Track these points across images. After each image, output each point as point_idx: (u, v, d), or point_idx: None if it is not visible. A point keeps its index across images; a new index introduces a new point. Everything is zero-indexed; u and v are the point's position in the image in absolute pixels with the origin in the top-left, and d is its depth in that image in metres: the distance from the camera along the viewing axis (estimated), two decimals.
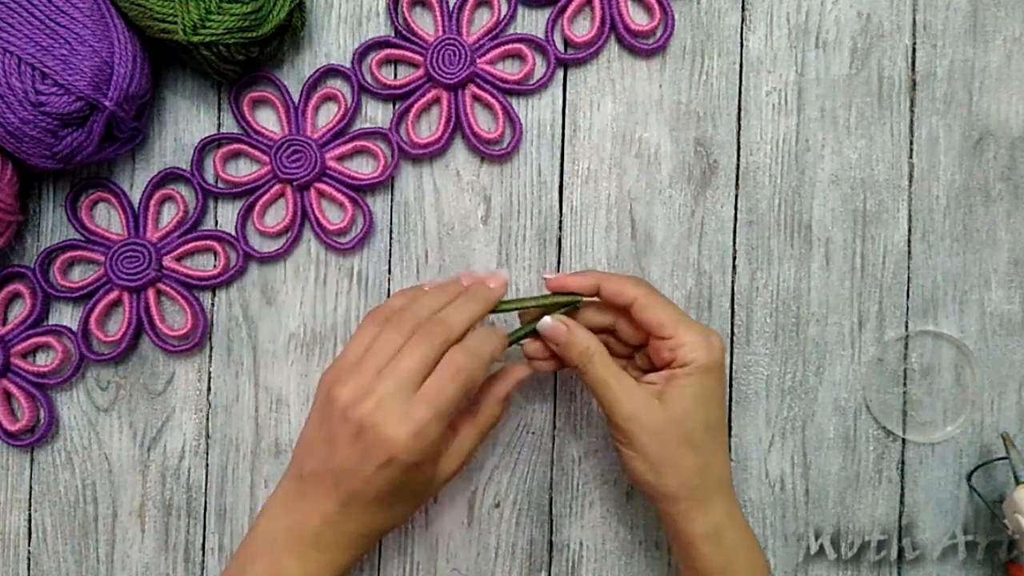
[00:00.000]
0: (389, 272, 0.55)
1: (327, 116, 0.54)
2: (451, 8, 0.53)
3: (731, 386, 0.54)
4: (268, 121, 0.54)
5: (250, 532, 0.47)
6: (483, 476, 0.54)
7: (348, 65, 0.54)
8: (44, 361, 0.54)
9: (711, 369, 0.46)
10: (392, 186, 0.55)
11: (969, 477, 0.53)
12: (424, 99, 0.53)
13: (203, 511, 0.54)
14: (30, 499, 0.55)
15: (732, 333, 0.54)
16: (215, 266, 0.54)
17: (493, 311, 0.48)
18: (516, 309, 0.49)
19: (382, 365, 0.44)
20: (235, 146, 0.54)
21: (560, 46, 0.54)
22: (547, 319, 0.48)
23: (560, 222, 0.54)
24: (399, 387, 0.43)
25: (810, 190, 0.54)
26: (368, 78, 0.54)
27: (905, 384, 0.54)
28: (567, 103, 0.54)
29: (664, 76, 0.54)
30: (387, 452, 0.43)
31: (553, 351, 0.48)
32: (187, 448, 0.54)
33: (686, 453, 0.46)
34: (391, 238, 0.55)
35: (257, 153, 0.54)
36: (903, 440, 0.54)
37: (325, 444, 0.45)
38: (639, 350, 0.50)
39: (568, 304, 0.49)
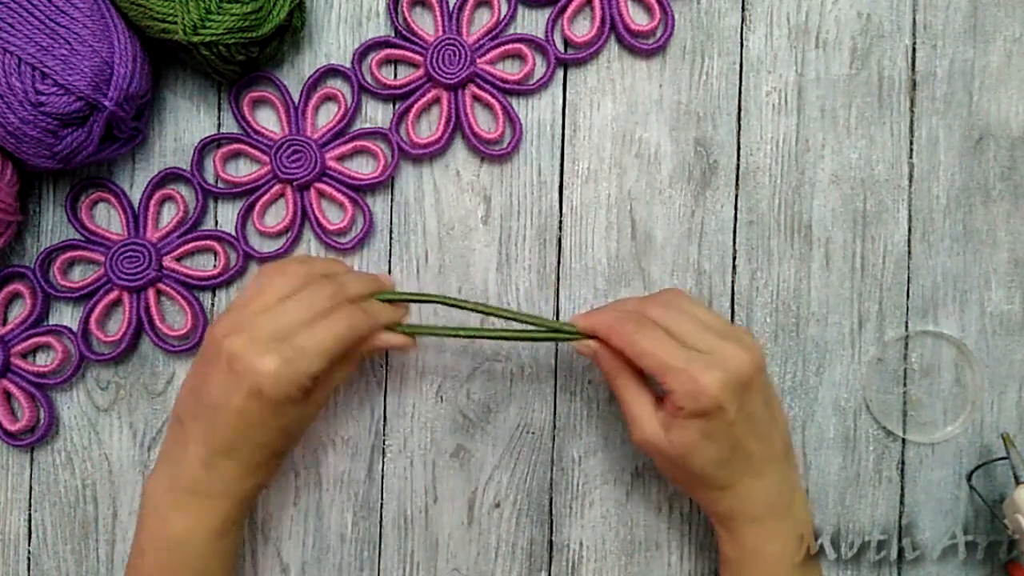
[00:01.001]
0: (389, 272, 0.55)
1: (327, 116, 0.54)
2: (451, 8, 0.53)
3: None
4: (268, 121, 0.54)
5: (142, 491, 0.47)
6: (483, 476, 0.54)
7: (348, 65, 0.54)
8: (44, 361, 0.54)
9: (705, 414, 0.43)
10: (392, 186, 0.55)
11: (969, 477, 0.53)
12: (424, 99, 0.53)
13: None
14: (30, 499, 0.55)
15: None
16: (215, 266, 0.54)
17: (486, 312, 0.49)
18: (508, 317, 0.49)
19: (267, 307, 0.45)
20: (235, 146, 0.54)
21: (560, 46, 0.54)
22: (583, 341, 0.48)
23: (560, 222, 0.54)
24: (277, 327, 0.44)
25: (810, 190, 0.54)
26: (368, 78, 0.54)
27: (905, 384, 0.54)
28: (567, 103, 0.54)
29: (664, 76, 0.54)
30: (254, 381, 0.43)
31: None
32: None
33: (698, 488, 0.47)
34: (391, 238, 0.55)
35: (257, 153, 0.54)
36: (903, 440, 0.54)
37: (200, 380, 0.45)
38: None
39: (549, 338, 0.49)
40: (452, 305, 0.49)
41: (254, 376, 0.43)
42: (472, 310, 0.49)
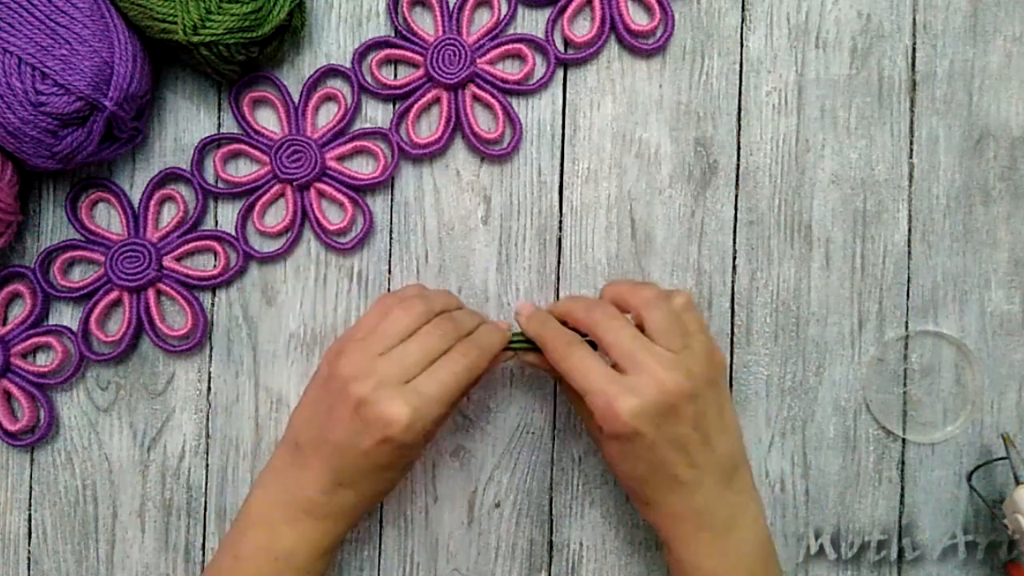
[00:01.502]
0: (389, 272, 0.55)
1: (327, 116, 0.54)
2: (451, 8, 0.53)
3: (731, 386, 0.54)
4: (268, 121, 0.54)
5: (245, 503, 0.48)
6: (483, 476, 0.54)
7: (348, 65, 0.54)
8: (44, 361, 0.54)
9: (619, 437, 0.43)
10: (392, 186, 0.55)
11: (969, 477, 0.53)
12: (424, 99, 0.53)
13: (203, 511, 0.54)
14: (30, 499, 0.55)
15: (732, 333, 0.54)
16: (215, 266, 0.54)
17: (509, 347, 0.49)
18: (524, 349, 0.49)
19: (389, 347, 0.45)
20: (235, 146, 0.54)
21: (560, 46, 0.54)
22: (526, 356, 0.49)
23: (560, 222, 0.54)
24: (402, 370, 0.44)
25: (810, 190, 0.54)
26: (368, 78, 0.54)
27: (905, 384, 0.54)
28: (567, 103, 0.54)
29: (664, 76, 0.54)
30: (384, 431, 0.43)
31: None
32: (187, 448, 0.54)
33: (634, 500, 0.49)
34: (391, 238, 0.55)
35: (257, 153, 0.54)
36: (903, 440, 0.54)
37: (324, 415, 0.45)
38: None
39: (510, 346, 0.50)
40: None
41: (385, 425, 0.43)
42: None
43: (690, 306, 0.47)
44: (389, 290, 0.54)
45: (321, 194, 0.54)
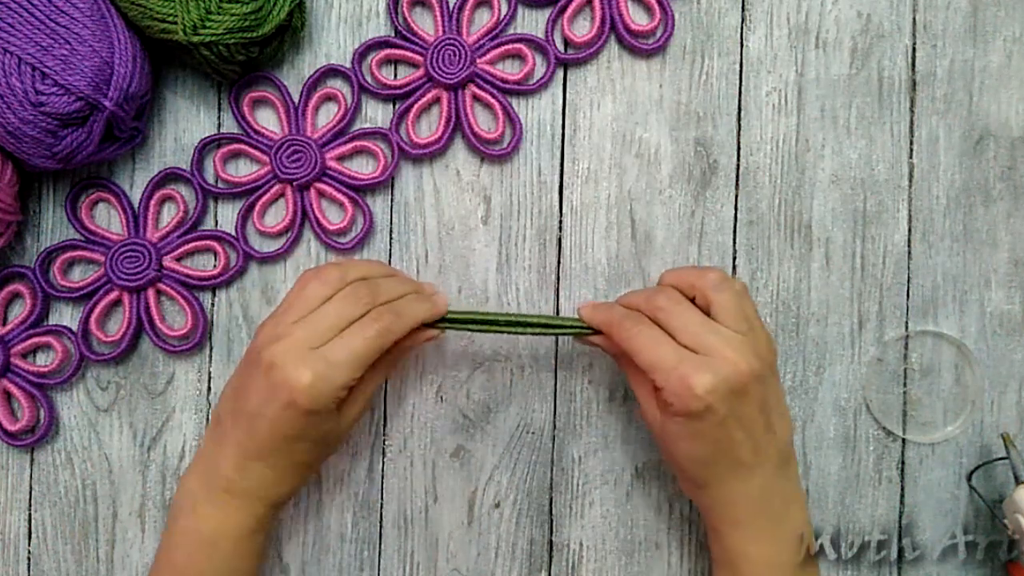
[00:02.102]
0: None
1: (327, 116, 0.54)
2: (451, 8, 0.53)
3: None
4: (268, 121, 0.54)
5: (178, 483, 0.48)
6: (483, 476, 0.54)
7: (348, 65, 0.54)
8: (44, 361, 0.54)
9: (691, 414, 0.44)
10: (392, 186, 0.55)
11: (969, 477, 0.53)
12: (424, 99, 0.53)
13: None
14: (30, 499, 0.55)
15: None
16: (215, 266, 0.54)
17: (482, 329, 0.49)
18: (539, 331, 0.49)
19: (303, 314, 0.46)
20: (235, 146, 0.54)
21: (560, 46, 0.54)
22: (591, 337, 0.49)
23: (560, 222, 0.54)
24: (312, 334, 0.45)
25: (810, 190, 0.54)
26: (368, 78, 0.54)
27: (905, 384, 0.54)
28: (567, 103, 0.54)
29: (664, 76, 0.54)
30: (288, 395, 0.43)
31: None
32: (187, 448, 0.54)
33: (684, 481, 0.48)
34: (391, 238, 0.55)
35: (257, 153, 0.54)
36: (903, 440, 0.54)
37: (240, 383, 0.46)
38: None
39: (565, 332, 0.50)
40: (499, 330, 0.49)
41: (289, 389, 0.43)
42: (515, 331, 0.49)
43: (747, 292, 0.48)
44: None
45: (321, 194, 0.54)
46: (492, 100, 0.53)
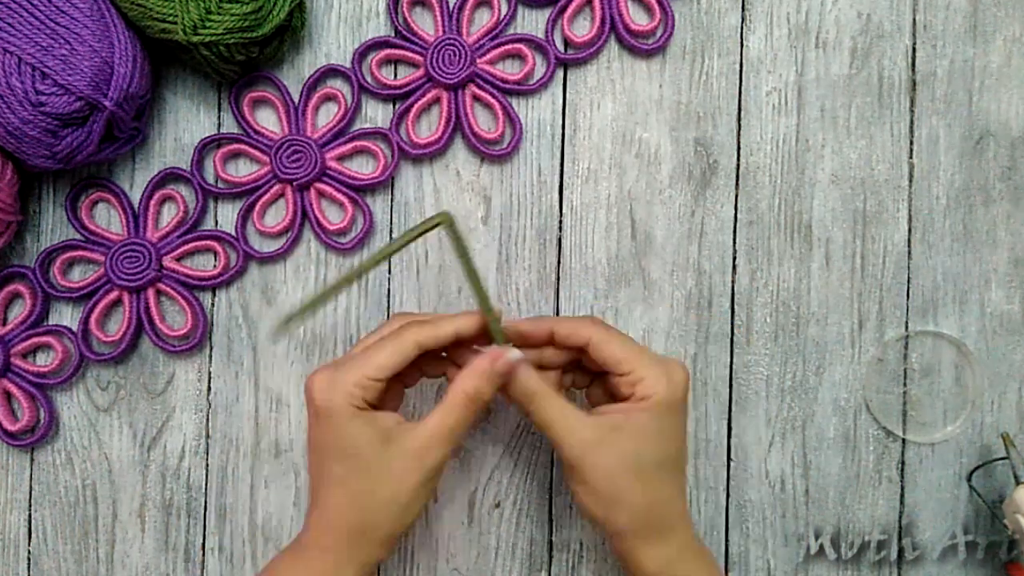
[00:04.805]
0: (389, 272, 0.55)
1: (327, 116, 0.54)
2: (451, 8, 0.53)
3: (731, 386, 0.54)
4: (268, 121, 0.54)
5: None
6: (483, 476, 0.54)
7: (348, 65, 0.54)
8: (44, 361, 0.54)
9: (671, 404, 0.44)
10: (392, 186, 0.55)
11: (969, 477, 0.53)
12: (424, 99, 0.53)
13: (203, 511, 0.54)
14: (30, 499, 0.55)
15: (732, 333, 0.54)
16: (215, 266, 0.54)
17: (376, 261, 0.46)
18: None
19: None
20: (235, 146, 0.54)
21: (560, 46, 0.54)
22: (500, 354, 0.45)
23: (560, 222, 0.54)
24: (341, 359, 0.46)
25: (810, 190, 0.54)
26: (368, 78, 0.54)
27: (905, 384, 0.54)
28: (567, 103, 0.54)
29: (664, 76, 0.54)
30: (309, 400, 0.44)
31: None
32: (187, 448, 0.54)
33: (637, 488, 0.45)
34: (391, 238, 0.55)
35: (257, 153, 0.54)
36: (903, 440, 0.54)
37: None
38: (597, 378, 0.49)
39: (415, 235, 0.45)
40: (340, 287, 0.47)
41: (309, 398, 0.44)
42: (364, 271, 0.47)
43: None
44: (389, 291, 0.54)
45: (321, 194, 0.54)
46: (492, 100, 0.53)
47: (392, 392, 0.47)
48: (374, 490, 0.44)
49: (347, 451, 0.44)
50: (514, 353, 0.45)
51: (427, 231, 0.44)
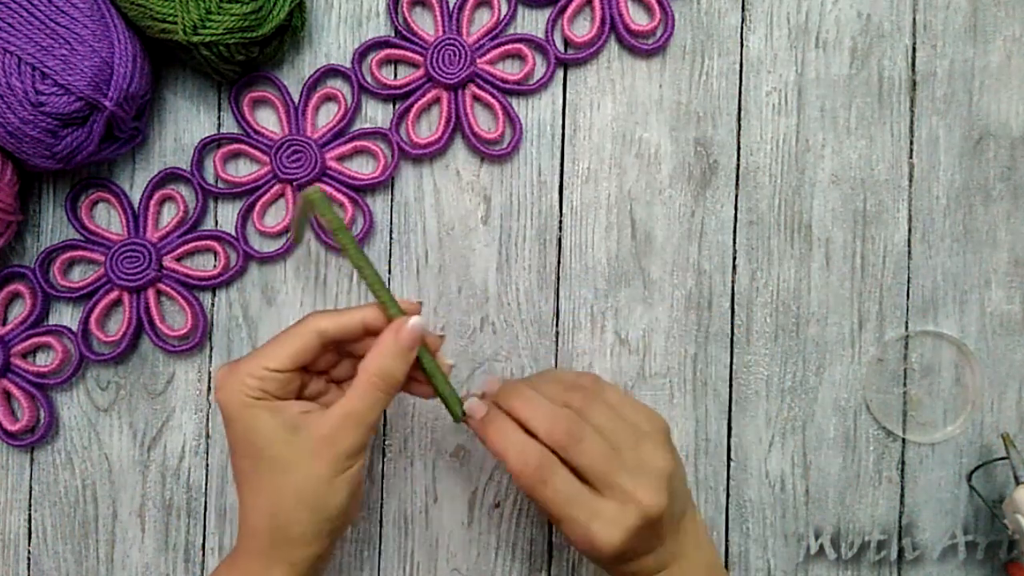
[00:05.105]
0: (389, 272, 0.55)
1: (327, 116, 0.54)
2: (451, 8, 0.53)
3: (731, 386, 0.54)
4: (268, 121, 0.54)
5: None
6: (483, 476, 0.54)
7: (348, 65, 0.54)
8: (44, 361, 0.54)
9: (604, 563, 0.44)
10: (392, 186, 0.55)
11: (969, 477, 0.53)
12: (424, 99, 0.53)
13: (203, 511, 0.54)
14: (30, 499, 0.55)
15: (732, 333, 0.54)
16: (215, 266, 0.54)
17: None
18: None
19: None
20: (235, 146, 0.54)
21: (560, 46, 0.54)
22: (400, 325, 0.43)
23: (560, 222, 0.54)
24: (249, 356, 0.44)
25: (810, 190, 0.54)
26: (368, 78, 0.54)
27: (905, 384, 0.54)
28: (567, 103, 0.54)
29: (664, 76, 0.54)
30: (215, 395, 0.44)
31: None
32: (187, 448, 0.54)
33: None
34: (391, 238, 0.55)
35: (257, 153, 0.54)
36: (903, 440, 0.54)
37: None
38: None
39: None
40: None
41: (215, 390, 0.43)
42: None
43: (600, 380, 0.46)
44: (389, 290, 0.54)
45: None
46: (492, 100, 0.53)
47: (318, 388, 0.46)
48: (284, 483, 0.42)
49: (252, 444, 0.43)
50: (414, 320, 0.43)
51: (306, 216, 0.45)
